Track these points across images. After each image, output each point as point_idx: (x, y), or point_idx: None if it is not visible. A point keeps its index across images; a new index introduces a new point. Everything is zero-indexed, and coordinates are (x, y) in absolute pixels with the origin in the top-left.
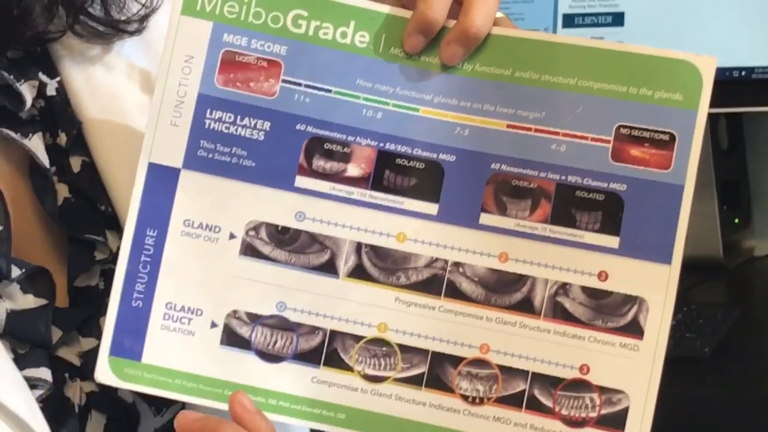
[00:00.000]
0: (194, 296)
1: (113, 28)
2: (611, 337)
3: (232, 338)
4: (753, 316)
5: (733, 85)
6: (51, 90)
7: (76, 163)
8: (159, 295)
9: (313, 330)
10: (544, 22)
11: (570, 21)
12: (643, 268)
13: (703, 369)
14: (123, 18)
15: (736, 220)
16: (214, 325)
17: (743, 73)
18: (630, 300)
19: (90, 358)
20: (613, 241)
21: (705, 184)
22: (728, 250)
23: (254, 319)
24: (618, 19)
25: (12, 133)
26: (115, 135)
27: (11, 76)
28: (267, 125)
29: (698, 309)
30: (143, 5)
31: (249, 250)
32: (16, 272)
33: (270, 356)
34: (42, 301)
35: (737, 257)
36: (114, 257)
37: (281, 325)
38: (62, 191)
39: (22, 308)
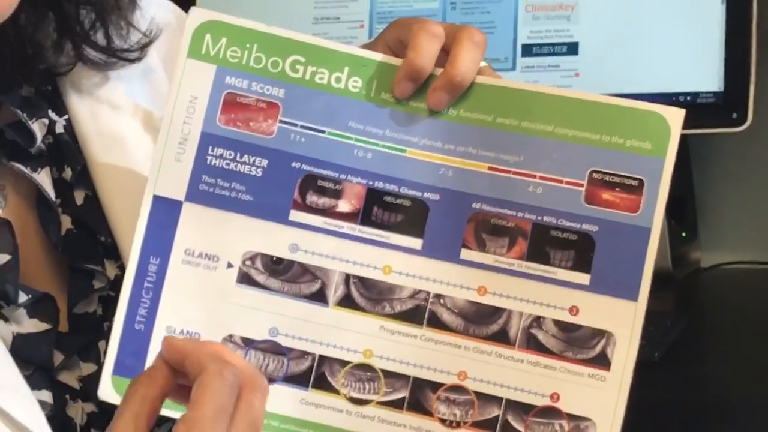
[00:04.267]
0: (193, 321)
1: (115, 57)
2: (580, 368)
3: None
4: (700, 324)
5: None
6: (59, 127)
7: (79, 196)
8: (160, 318)
9: (303, 355)
10: (505, 51)
11: (528, 51)
12: (612, 304)
13: (653, 373)
14: (125, 47)
15: (684, 234)
16: None
17: (689, 97)
18: (598, 334)
19: (89, 382)
20: (584, 278)
21: None
22: (677, 262)
23: (248, 343)
24: (573, 48)
25: (22, 168)
26: (117, 171)
27: (24, 114)
28: (265, 162)
29: (649, 317)
30: (144, 34)
31: (245, 279)
32: (23, 298)
33: None
34: (46, 326)
35: (685, 268)
36: (111, 285)
37: (273, 349)
38: (66, 222)
39: (27, 332)
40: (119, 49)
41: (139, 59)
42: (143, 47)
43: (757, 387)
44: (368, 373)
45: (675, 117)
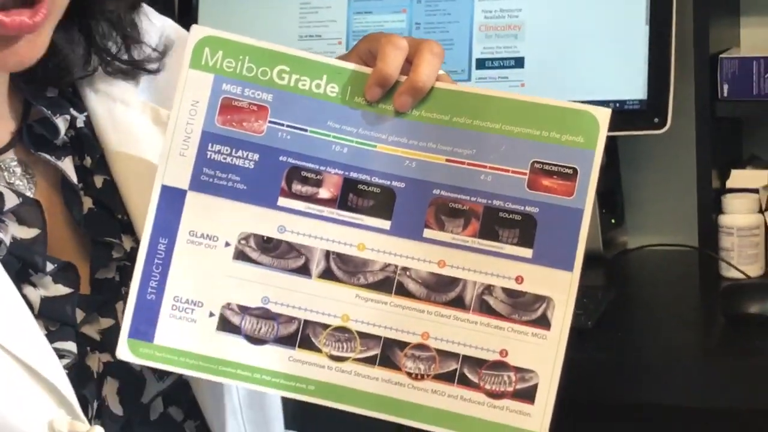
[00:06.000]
0: (196, 291)
1: (136, 68)
2: (525, 328)
3: (226, 325)
4: (625, 296)
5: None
6: (80, 123)
7: (99, 180)
8: (168, 290)
9: (291, 319)
10: (461, 65)
11: (482, 64)
12: (551, 274)
13: (587, 338)
14: (143, 57)
15: (613, 221)
16: (211, 314)
17: (617, 104)
18: (540, 299)
19: (108, 334)
20: (527, 252)
21: None
22: (607, 244)
23: (244, 310)
24: (519, 62)
25: (49, 157)
26: (130, 159)
27: (49, 112)
28: (256, 156)
29: (583, 290)
30: (153, 49)
31: (240, 256)
32: (49, 267)
33: (256, 339)
34: (69, 290)
35: (614, 250)
36: (128, 255)
37: (265, 315)
38: (87, 203)
39: (53, 295)
40: (138, 60)
41: (158, 71)
42: (159, 59)
43: (673, 348)
44: (346, 335)
45: (603, 115)
